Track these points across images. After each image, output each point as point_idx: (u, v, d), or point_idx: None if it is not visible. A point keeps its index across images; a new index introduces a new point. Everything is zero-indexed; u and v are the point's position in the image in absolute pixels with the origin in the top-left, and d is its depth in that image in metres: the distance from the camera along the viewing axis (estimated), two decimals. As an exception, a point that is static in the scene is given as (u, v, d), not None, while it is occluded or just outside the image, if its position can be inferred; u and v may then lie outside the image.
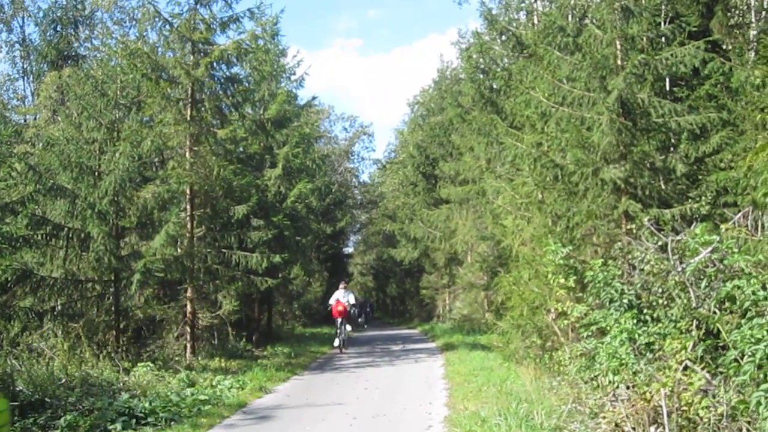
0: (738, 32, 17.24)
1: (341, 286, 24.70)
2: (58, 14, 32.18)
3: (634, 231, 11.70)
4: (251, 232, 21.37)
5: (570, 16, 16.24)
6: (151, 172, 18.93)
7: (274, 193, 23.89)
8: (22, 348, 14.77)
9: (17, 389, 11.57)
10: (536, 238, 14.77)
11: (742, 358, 6.89)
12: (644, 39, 13.82)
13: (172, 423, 11.23)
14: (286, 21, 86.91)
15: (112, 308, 16.99)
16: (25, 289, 15.66)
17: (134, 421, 11.08)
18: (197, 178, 18.63)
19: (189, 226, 18.72)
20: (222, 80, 19.50)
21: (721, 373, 7.75)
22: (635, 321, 9.55)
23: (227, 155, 20.46)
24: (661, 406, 7.51)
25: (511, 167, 18.92)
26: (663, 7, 15.30)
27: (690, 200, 12.93)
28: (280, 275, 23.88)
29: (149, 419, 11.26)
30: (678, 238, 9.98)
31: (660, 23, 14.98)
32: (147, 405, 11.70)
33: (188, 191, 18.71)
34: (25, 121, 31.79)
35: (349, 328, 24.42)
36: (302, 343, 26.40)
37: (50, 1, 32.52)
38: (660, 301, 9.82)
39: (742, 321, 7.41)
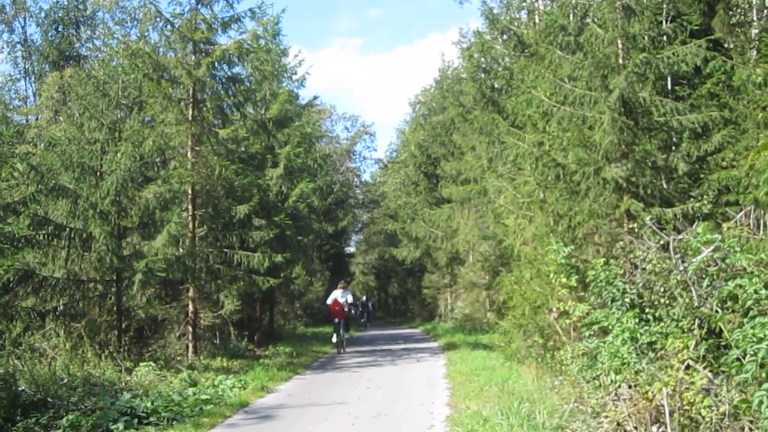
0: (740, 31, 17.22)
1: (339, 285, 24.10)
2: (60, 15, 32.20)
3: (636, 230, 11.69)
4: (253, 231, 21.38)
5: (571, 15, 16.22)
6: (153, 172, 18.93)
7: (276, 193, 23.90)
8: (25, 348, 14.77)
9: (19, 389, 11.58)
10: (538, 237, 14.77)
11: (744, 358, 6.88)
12: (646, 38, 13.80)
13: (174, 423, 11.23)
14: (287, 21, 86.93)
15: (114, 308, 17.00)
16: (27, 289, 15.67)
17: (136, 420, 11.08)
18: (199, 178, 18.63)
19: (191, 225, 18.73)
20: (223, 80, 19.52)
21: (723, 372, 7.74)
22: (637, 320, 9.55)
23: (229, 155, 20.47)
24: (663, 406, 7.51)
25: (513, 166, 18.90)
26: (664, 5, 15.29)
27: (692, 199, 12.92)
28: (281, 275, 23.91)
29: (151, 419, 11.26)
30: (680, 237, 9.98)
31: (661, 22, 14.97)
32: (149, 405, 11.71)
33: (190, 191, 18.71)
34: (26, 121, 31.83)
35: (347, 336, 23.66)
36: (304, 342, 26.41)
37: (52, 1, 32.59)
38: (662, 300, 9.82)
39: (744, 320, 7.41)
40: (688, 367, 8.03)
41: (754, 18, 17.49)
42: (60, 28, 32.28)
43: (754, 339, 6.80)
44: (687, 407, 7.56)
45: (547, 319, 13.97)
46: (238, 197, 20.73)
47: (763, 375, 6.60)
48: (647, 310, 9.92)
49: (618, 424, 7.95)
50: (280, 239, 22.94)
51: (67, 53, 31.98)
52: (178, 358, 17.61)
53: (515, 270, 16.50)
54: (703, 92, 13.89)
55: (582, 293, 11.81)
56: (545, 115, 14.69)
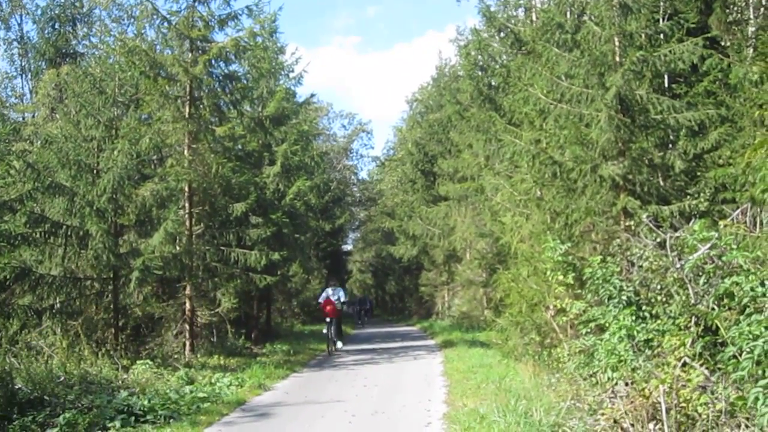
0: (736, 29, 17.23)
1: (330, 283, 23.84)
2: (56, 12, 32.16)
3: (633, 228, 11.72)
4: (250, 229, 21.38)
5: (568, 13, 16.21)
6: (150, 169, 18.92)
7: (273, 191, 23.89)
8: (21, 346, 14.76)
9: (16, 387, 11.56)
10: (535, 235, 14.78)
11: (740, 355, 6.89)
12: (643, 36, 13.81)
13: (171, 420, 11.21)
14: (284, 18, 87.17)
15: (111, 306, 16.98)
16: (24, 287, 15.65)
17: (133, 418, 11.06)
18: (196, 176, 18.62)
19: (188, 223, 18.72)
20: (220, 78, 19.49)
21: (720, 369, 7.75)
22: (634, 318, 9.57)
23: (226, 153, 20.46)
24: (659, 403, 7.52)
25: (510, 164, 18.91)
26: (661, 3, 15.29)
27: (688, 197, 12.94)
28: (278, 273, 23.91)
29: (148, 417, 11.25)
30: (677, 234, 10.00)
31: (658, 20, 14.96)
32: (146, 403, 11.69)
33: (187, 189, 18.70)
34: (23, 118, 31.77)
35: (339, 345, 22.65)
36: (301, 340, 26.40)
37: (48, -2, 32.52)
38: (659, 297, 9.84)
39: (741, 317, 7.42)
40: (684, 364, 8.04)
41: (751, 16, 17.48)
42: (56, 26, 32.23)
43: (751, 336, 6.81)
44: (684, 404, 7.57)
45: (544, 317, 13.98)
46: (235, 195, 20.71)
47: (760, 372, 6.61)
48: (644, 307, 9.94)
49: (615, 422, 7.96)
50: (277, 237, 22.94)
51: (63, 50, 31.93)
52: (175, 356, 17.61)
53: (512, 267, 16.50)
54: (699, 90, 13.90)
55: (579, 291, 11.82)
56: (542, 113, 14.70)
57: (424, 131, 41.21)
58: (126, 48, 18.85)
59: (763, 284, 7.61)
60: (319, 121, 50.19)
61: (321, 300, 22.70)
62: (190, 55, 18.93)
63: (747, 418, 7.00)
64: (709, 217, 11.95)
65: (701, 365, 8.10)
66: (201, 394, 13.14)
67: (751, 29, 17.02)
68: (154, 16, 18.78)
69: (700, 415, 7.40)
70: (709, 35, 14.22)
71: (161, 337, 18.87)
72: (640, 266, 10.46)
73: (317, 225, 35.89)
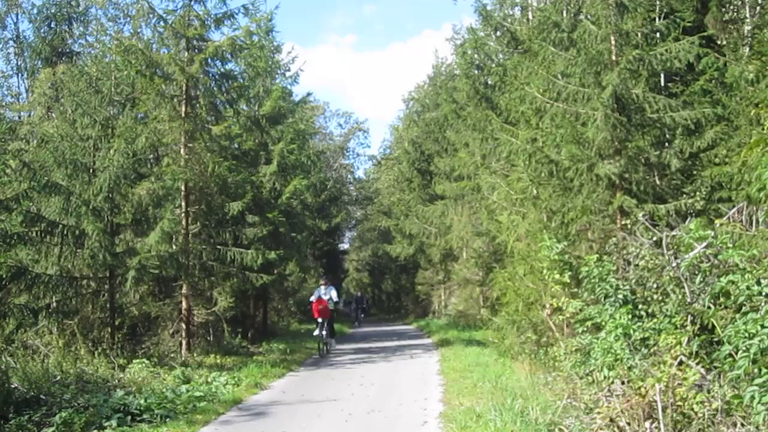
0: (732, 28, 17.25)
1: (321, 282, 22.78)
2: (52, 11, 32.06)
3: (629, 226, 11.73)
4: (246, 228, 21.39)
5: (565, 12, 16.23)
6: (146, 168, 18.88)
7: (269, 190, 23.89)
8: (17, 345, 14.74)
9: (12, 386, 11.56)
10: (531, 233, 14.80)
11: (736, 353, 6.90)
12: (639, 34, 13.82)
13: (168, 420, 11.21)
14: (280, 17, 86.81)
15: (107, 305, 16.97)
16: (20, 286, 15.62)
17: (129, 417, 11.07)
18: (192, 175, 18.61)
19: (184, 222, 18.71)
20: (216, 77, 19.49)
21: (716, 368, 7.77)
22: (630, 316, 9.57)
23: (222, 152, 20.45)
24: (656, 401, 7.52)
25: (506, 163, 18.93)
26: (657, 2, 15.29)
27: (685, 195, 12.96)
28: (275, 271, 23.88)
29: (144, 416, 11.25)
30: (673, 233, 10.02)
31: (654, 19, 14.98)
32: (142, 402, 11.70)
33: (183, 188, 18.69)
34: (19, 117, 31.67)
35: (333, 344, 22.34)
36: (297, 339, 26.37)
37: (44, -3, 32.44)
38: (655, 296, 9.85)
39: (737, 316, 7.42)
40: (680, 363, 8.06)
41: (747, 15, 17.50)
42: (52, 25, 32.14)
43: (747, 335, 6.82)
44: (680, 403, 7.58)
45: (540, 316, 13.99)
46: (231, 194, 20.71)
47: (755, 371, 6.61)
48: (640, 306, 9.95)
49: (611, 420, 7.97)
50: (273, 236, 22.95)
51: (59, 50, 31.84)
52: (172, 355, 17.60)
53: (509, 266, 16.53)
54: (696, 89, 13.91)
55: (575, 289, 11.83)
56: (538, 112, 14.72)
57: (421, 130, 41.19)
58: (122, 47, 18.84)
59: (759, 283, 7.61)
60: (315, 120, 50.12)
61: (312, 299, 21.69)
62: (186, 54, 18.92)
63: (743, 417, 7.01)
64: (705, 216, 11.98)
65: (697, 364, 8.11)
66: (197, 393, 13.15)
67: (747, 28, 17.04)
68: (151, 15, 18.84)
69: (696, 413, 7.41)
70: (705, 34, 14.23)
71: (157, 336, 18.87)
72: (637, 265, 10.47)
73: (314, 224, 35.91)
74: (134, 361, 15.28)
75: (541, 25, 15.16)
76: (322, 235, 43.46)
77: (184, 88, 18.70)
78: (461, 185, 27.89)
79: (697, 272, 9.09)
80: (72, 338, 15.99)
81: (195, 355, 18.07)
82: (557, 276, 11.98)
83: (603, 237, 13.25)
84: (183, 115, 18.54)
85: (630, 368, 8.57)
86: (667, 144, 14.03)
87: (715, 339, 8.14)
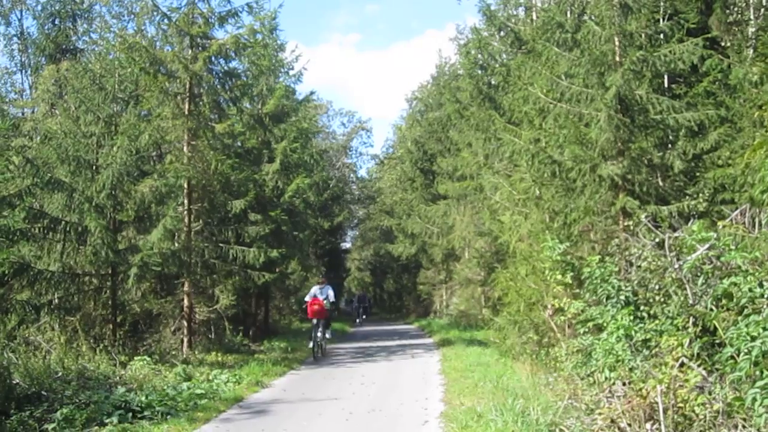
0: (736, 29, 17.22)
1: (318, 281, 21.93)
2: (56, 8, 32.06)
3: (632, 228, 11.73)
4: (249, 226, 21.39)
5: (569, 12, 16.21)
6: (149, 166, 18.91)
7: (272, 188, 23.90)
8: (19, 341, 14.74)
9: (14, 382, 11.56)
10: (533, 234, 14.79)
11: (738, 356, 6.90)
12: (643, 35, 13.81)
13: (169, 417, 11.21)
14: (284, 16, 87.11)
15: (109, 302, 16.98)
16: (23, 283, 15.63)
17: (130, 414, 11.07)
18: (195, 173, 18.62)
19: (186, 220, 18.72)
20: (220, 75, 19.50)
21: (717, 370, 7.77)
22: (632, 318, 9.58)
23: (225, 150, 20.45)
24: (657, 403, 7.52)
25: (509, 163, 18.93)
26: (662, 3, 15.28)
27: (687, 197, 12.95)
28: (277, 270, 23.89)
29: (145, 413, 11.25)
30: (675, 235, 10.01)
31: (659, 20, 14.96)
32: (143, 399, 11.70)
33: (186, 185, 18.70)
34: (22, 114, 31.72)
35: (328, 335, 21.13)
36: (299, 337, 26.37)
37: (48, -6, 32.45)
38: (657, 297, 9.85)
39: (739, 318, 7.43)
40: (682, 364, 8.05)
41: (751, 17, 17.48)
42: (56, 21, 32.15)
43: (748, 337, 6.82)
44: (681, 405, 7.58)
45: (542, 316, 13.98)
46: (234, 192, 20.72)
47: (757, 373, 6.61)
48: (642, 307, 9.95)
49: (612, 421, 7.97)
50: (275, 234, 22.95)
51: (63, 46, 31.86)
52: (173, 352, 17.61)
53: (511, 267, 16.52)
54: (699, 90, 13.89)
55: (577, 290, 11.83)
56: (542, 112, 14.71)
57: (424, 130, 41.20)
58: (126, 44, 18.85)
59: (761, 285, 7.61)
60: (318, 119, 50.15)
61: (308, 299, 20.57)
62: (190, 51, 18.93)
63: (744, 419, 7.00)
64: (708, 218, 11.97)
65: (699, 366, 8.10)
66: (198, 391, 13.16)
67: (751, 30, 17.02)
68: (155, 13, 18.83)
69: (697, 415, 7.41)
70: (709, 36, 14.22)
71: (159, 334, 18.87)
72: (639, 266, 10.46)
73: (316, 223, 35.90)
74: (136, 358, 15.29)
75: (545, 26, 15.15)
76: (324, 233, 43.47)
77: (187, 86, 18.70)
78: (464, 185, 27.88)
79: (699, 274, 9.09)
80: (74, 335, 16.00)
81: (196, 352, 18.08)
82: (559, 277, 11.98)
83: (605, 238, 13.24)
84: (186, 112, 18.55)
85: (631, 369, 8.57)
86: (670, 145, 14.02)
87: (717, 341, 8.14)
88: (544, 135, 14.56)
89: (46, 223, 15.82)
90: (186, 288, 18.71)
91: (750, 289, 7.61)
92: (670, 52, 13.13)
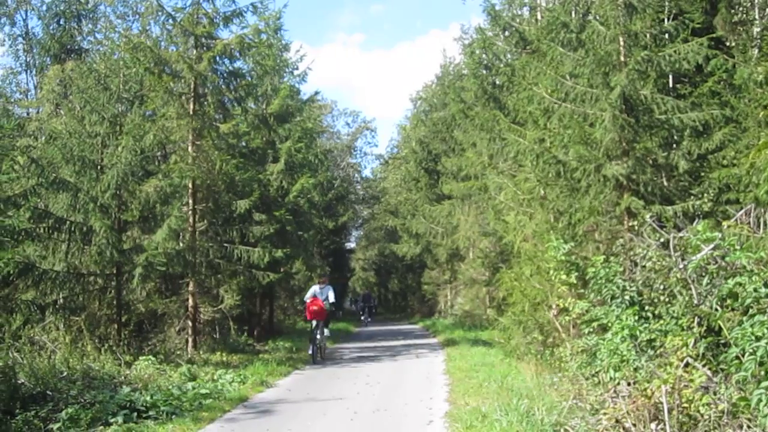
0: (742, 29, 17.20)
1: (318, 280, 20.81)
2: (61, 8, 32.14)
3: (636, 228, 11.70)
4: (253, 226, 21.42)
5: (573, 12, 16.20)
6: (154, 166, 18.93)
7: (277, 188, 23.91)
8: (24, 341, 14.76)
9: (19, 382, 11.59)
10: (538, 234, 14.77)
11: (743, 356, 6.89)
12: (647, 35, 13.79)
13: (174, 417, 11.23)
14: (288, 16, 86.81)
15: (114, 302, 17.00)
16: (27, 282, 15.65)
17: (135, 414, 11.08)
18: (199, 173, 18.64)
19: (191, 220, 18.74)
20: (225, 75, 19.52)
21: (723, 370, 7.76)
22: (637, 318, 9.56)
23: (230, 150, 20.47)
24: (661, 403, 7.52)
25: (514, 163, 18.91)
26: (666, 3, 15.27)
27: (692, 197, 12.94)
28: (281, 270, 23.92)
29: (150, 413, 11.27)
30: (680, 235, 9.99)
31: (663, 20, 14.96)
32: (148, 398, 11.71)
33: (190, 185, 18.71)
34: (27, 114, 31.80)
35: (327, 332, 20.09)
36: (303, 337, 26.29)
37: (53, -6, 32.50)
38: (661, 297, 9.83)
39: (744, 318, 7.42)
40: (687, 364, 8.04)
41: (756, 16, 17.47)
42: (61, 22, 32.22)
43: (754, 337, 6.81)
44: (686, 405, 7.57)
45: (546, 316, 13.98)
46: (238, 192, 20.74)
47: (762, 373, 6.61)
48: (647, 307, 9.93)
49: (617, 421, 7.96)
50: (280, 234, 22.97)
51: (68, 46, 31.92)
52: (178, 352, 17.62)
53: (515, 267, 16.51)
54: (704, 90, 13.87)
55: (582, 290, 11.81)
56: (546, 112, 14.70)
57: (428, 130, 41.20)
58: (131, 44, 18.89)
59: (766, 285, 7.61)
60: (323, 119, 50.18)
61: (307, 299, 19.78)
62: (194, 51, 18.96)
63: (749, 420, 7.00)
64: (713, 218, 11.96)
65: (704, 366, 8.09)
66: (203, 391, 13.17)
67: (756, 30, 17.01)
68: (159, 13, 18.86)
69: (702, 415, 7.40)
70: (714, 35, 14.21)
71: (164, 334, 18.90)
72: (643, 266, 10.44)
73: (320, 222, 35.93)
74: (140, 357, 15.31)
75: (550, 26, 15.13)
76: (328, 233, 43.50)
77: (192, 86, 18.72)
78: (468, 185, 27.87)
79: (704, 274, 9.07)
80: (79, 334, 16.02)
81: (201, 352, 18.10)
82: (564, 277, 11.96)
83: (610, 238, 13.23)
84: (191, 112, 18.57)
85: (636, 369, 8.56)
86: (675, 145, 14.00)
87: (722, 341, 8.13)
88: (548, 135, 14.55)
89: (51, 223, 15.85)
90: (191, 288, 18.73)
91: (755, 289, 7.60)
92: (674, 52, 13.11)
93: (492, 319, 21.37)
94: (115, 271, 16.84)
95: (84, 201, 15.93)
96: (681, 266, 9.35)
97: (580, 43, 14.12)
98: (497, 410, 9.81)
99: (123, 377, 13.51)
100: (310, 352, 19.55)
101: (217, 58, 18.86)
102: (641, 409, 7.78)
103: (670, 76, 15.36)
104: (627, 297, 10.04)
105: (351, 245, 61.55)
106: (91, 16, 33.17)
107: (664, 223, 11.41)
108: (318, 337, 19.31)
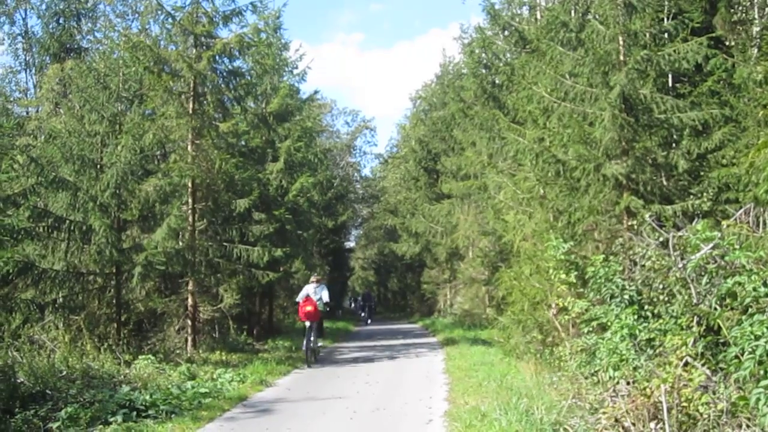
0: (741, 29, 17.21)
1: (312, 279, 19.13)
2: (61, 7, 32.13)
3: (636, 227, 11.71)
4: (253, 225, 21.42)
5: (573, 12, 16.22)
6: (153, 165, 18.93)
7: (276, 187, 23.91)
8: (24, 340, 14.76)
9: (18, 381, 11.59)
10: (537, 233, 14.78)
11: (742, 355, 6.90)
12: (647, 35, 13.80)
13: (173, 416, 11.22)
14: (288, 15, 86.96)
15: (114, 301, 17.00)
16: (27, 282, 15.66)
17: (135, 413, 11.07)
18: (199, 172, 18.62)
19: (190, 219, 18.73)
20: (224, 74, 19.50)
21: (722, 369, 7.77)
22: (636, 317, 9.58)
23: (229, 149, 20.45)
24: (661, 402, 7.52)
25: (513, 162, 18.91)
26: (666, 2, 15.27)
27: (692, 196, 12.94)
28: (281, 269, 23.91)
29: (150, 412, 11.26)
30: (679, 234, 10.00)
31: (663, 19, 14.97)
32: (148, 397, 11.70)
33: (190, 184, 18.70)
34: (27, 113, 31.81)
35: (320, 343, 19.16)
36: (303, 336, 26.28)
37: (53, -7, 32.50)
38: (661, 297, 9.84)
39: (743, 317, 7.43)
40: (686, 363, 8.05)
41: (756, 16, 17.48)
42: (61, 20, 32.21)
43: (753, 336, 6.82)
44: (685, 404, 7.57)
45: (546, 315, 13.98)
46: (238, 191, 20.73)
47: (761, 372, 6.61)
48: (646, 306, 9.95)
49: (616, 420, 7.96)
50: (279, 233, 22.97)
51: (68, 45, 31.91)
52: (177, 351, 17.61)
53: (515, 266, 16.51)
54: (703, 90, 13.88)
55: (581, 289, 11.82)
56: (546, 111, 14.70)
57: (428, 129, 41.22)
58: (130, 43, 18.85)
59: (765, 284, 7.61)
60: (322, 118, 50.20)
61: (300, 299, 18.64)
62: (194, 50, 18.94)
63: (748, 419, 7.00)
64: (712, 217, 11.97)
65: (703, 365, 8.10)
66: (203, 390, 13.16)
67: (755, 29, 17.01)
68: (159, 12, 18.83)
69: (701, 414, 7.40)
70: (713, 35, 14.21)
71: (163, 333, 18.88)
72: (643, 265, 10.46)
73: (320, 222, 35.96)
74: (140, 357, 15.31)
75: (549, 25, 15.14)
76: (328, 233, 43.51)
77: (191, 85, 18.71)
78: (468, 184, 27.88)
79: (703, 273, 9.08)
80: (78, 334, 16.02)
81: (200, 351, 18.09)
82: (563, 276, 11.97)
83: (609, 237, 13.23)
84: (190, 111, 18.55)
85: (635, 369, 8.57)
86: (674, 145, 14.01)
87: (721, 340, 8.14)
88: (548, 134, 14.55)
89: (51, 222, 15.85)
90: (190, 287, 18.72)
91: (754, 289, 7.61)
92: (674, 51, 13.12)
93: (491, 319, 21.38)
94: (114, 270, 16.85)
95: (83, 200, 15.94)
96: (680, 265, 9.36)
97: (580, 43, 14.13)
98: (496, 409, 9.81)
99: (122, 376, 13.50)
100: (303, 347, 18.60)
101: (217, 57, 18.84)
102: (640, 408, 7.79)
103: (670, 76, 15.37)
104: (626, 296, 10.06)
105: (350, 244, 61.57)
106: (90, 15, 33.18)
107: (663, 222, 11.42)
108: (312, 339, 18.37)
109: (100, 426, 10.42)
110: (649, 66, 13.22)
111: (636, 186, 13.15)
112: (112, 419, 10.61)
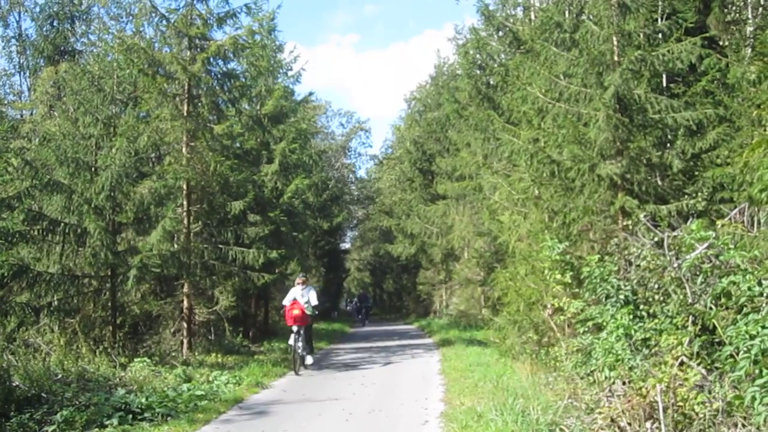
0: (735, 28, 17.23)
1: (298, 281, 17.80)
2: (55, 9, 32.11)
3: (631, 227, 11.73)
4: (248, 227, 21.41)
5: (567, 12, 16.22)
6: (148, 167, 18.91)
7: (271, 189, 23.91)
8: (19, 343, 14.74)
9: (13, 384, 11.55)
10: (533, 233, 14.78)
11: (737, 354, 6.91)
12: (641, 35, 13.80)
13: (169, 418, 11.21)
14: (282, 17, 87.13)
15: (109, 304, 16.98)
16: (22, 285, 15.62)
17: (131, 416, 11.06)
18: (194, 174, 18.62)
19: (186, 221, 18.71)
20: (219, 76, 19.48)
21: (717, 368, 7.77)
22: (631, 317, 9.58)
23: (224, 151, 20.46)
24: (656, 402, 7.52)
25: (508, 163, 18.91)
26: (660, 3, 15.29)
27: (686, 196, 12.94)
28: (276, 271, 23.90)
29: (146, 414, 11.24)
30: (674, 234, 10.02)
31: (657, 19, 14.98)
32: (143, 400, 11.69)
33: (185, 187, 18.69)
34: (21, 116, 31.75)
35: (309, 360, 17.59)
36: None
37: (47, -4, 32.47)
38: (656, 297, 9.85)
39: (738, 317, 7.44)
40: (681, 363, 8.06)
41: (749, 16, 17.49)
42: (55, 23, 32.19)
43: (748, 336, 6.83)
44: (681, 403, 7.58)
45: (541, 316, 13.98)
46: (233, 193, 20.73)
47: (756, 371, 6.62)
48: (641, 306, 9.96)
49: (612, 420, 7.97)
50: (275, 235, 22.96)
51: (62, 48, 31.89)
52: (173, 353, 17.60)
53: (510, 266, 16.52)
54: (698, 90, 13.88)
55: (576, 290, 11.84)
56: (540, 112, 14.70)
57: (423, 130, 41.23)
58: (124, 46, 18.82)
59: (760, 284, 7.62)
60: (317, 120, 50.17)
61: (286, 303, 17.46)
62: (188, 53, 18.93)
63: (744, 418, 7.01)
64: (707, 217, 11.97)
65: (698, 364, 8.11)
66: (198, 392, 13.15)
67: (749, 29, 17.03)
68: (153, 14, 18.80)
69: (697, 414, 7.41)
70: (707, 35, 14.22)
71: (159, 335, 18.87)
72: (638, 265, 10.47)
73: (315, 223, 35.92)
74: (135, 359, 15.29)
75: (544, 26, 15.16)
76: (323, 234, 43.49)
77: (186, 87, 18.70)
78: (463, 185, 27.87)
79: (698, 273, 9.09)
80: (73, 337, 15.99)
81: (196, 354, 18.08)
82: (559, 276, 11.98)
83: (604, 237, 13.24)
84: (185, 114, 18.55)
85: (631, 368, 8.57)
86: (668, 145, 14.02)
87: (717, 340, 8.15)
88: (542, 135, 14.55)
89: (45, 225, 15.82)
90: (185, 289, 18.71)
91: (749, 288, 7.62)
92: (668, 51, 13.13)
93: (487, 319, 21.35)
94: (109, 273, 16.82)
95: (78, 203, 15.91)
96: (675, 265, 9.38)
97: (574, 43, 14.14)
98: (492, 410, 9.81)
99: (118, 379, 13.48)
100: (291, 342, 17.21)
101: (211, 60, 18.83)
102: (636, 408, 7.79)
103: (664, 76, 15.38)
104: (622, 296, 10.07)
105: (346, 246, 61.56)
106: (84, 17, 33.16)
107: (658, 222, 11.43)
108: (300, 344, 16.99)
109: (96, 429, 10.40)
110: (644, 66, 13.23)
111: (631, 186, 13.16)
112: (107, 422, 10.59)
